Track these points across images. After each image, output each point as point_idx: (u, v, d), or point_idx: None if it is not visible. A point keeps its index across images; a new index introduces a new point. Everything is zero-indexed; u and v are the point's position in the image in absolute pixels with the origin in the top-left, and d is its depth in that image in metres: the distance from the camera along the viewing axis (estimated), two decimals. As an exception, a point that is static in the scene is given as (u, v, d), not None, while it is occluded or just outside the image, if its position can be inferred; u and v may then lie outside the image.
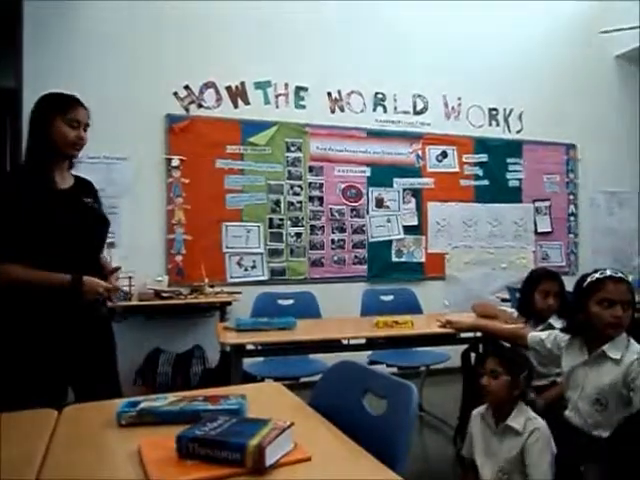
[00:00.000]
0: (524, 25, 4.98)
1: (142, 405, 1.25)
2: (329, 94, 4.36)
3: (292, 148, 4.22)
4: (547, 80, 5.06)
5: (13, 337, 1.72)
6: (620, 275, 1.80)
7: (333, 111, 4.38)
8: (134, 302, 3.49)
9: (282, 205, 4.18)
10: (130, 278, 3.46)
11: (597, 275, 1.82)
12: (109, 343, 1.98)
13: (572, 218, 5.18)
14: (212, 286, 3.77)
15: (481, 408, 1.94)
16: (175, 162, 3.92)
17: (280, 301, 3.45)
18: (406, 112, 4.60)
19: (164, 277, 3.78)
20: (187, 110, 3.99)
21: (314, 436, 1.14)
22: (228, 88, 4.10)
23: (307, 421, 1.23)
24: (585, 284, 1.83)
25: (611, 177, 5.35)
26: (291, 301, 3.43)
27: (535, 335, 2.11)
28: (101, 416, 1.26)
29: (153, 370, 3.59)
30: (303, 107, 4.29)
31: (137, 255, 3.65)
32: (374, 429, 1.14)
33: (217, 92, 4.08)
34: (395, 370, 3.40)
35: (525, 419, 1.78)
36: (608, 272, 1.80)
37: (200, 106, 4.03)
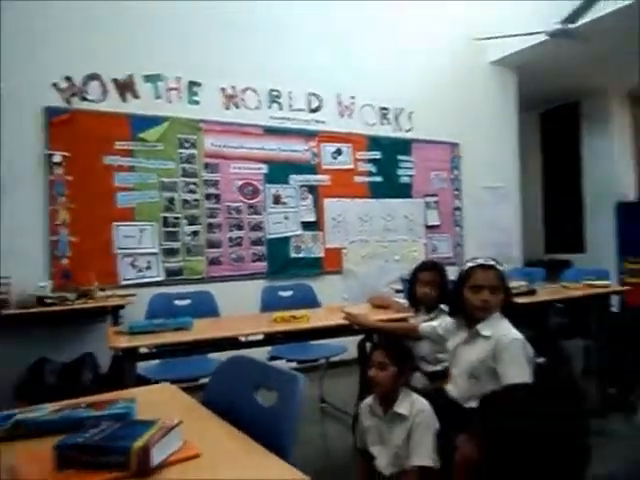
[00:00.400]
0: (414, 29, 5.25)
1: (17, 417, 1.16)
2: (223, 90, 4.30)
3: (186, 144, 4.11)
4: (433, 82, 5.37)
5: None
6: (489, 263, 1.97)
7: (228, 107, 4.32)
8: (12, 311, 3.20)
9: (177, 203, 4.06)
10: (6, 285, 3.18)
11: (469, 264, 2.01)
12: None
13: (458, 212, 5.56)
14: (103, 289, 3.57)
15: (369, 399, 2.02)
16: (57, 158, 3.65)
17: (177, 302, 3.35)
18: (301, 110, 4.66)
19: (47, 282, 3.51)
20: (69, 102, 3.73)
21: (205, 433, 1.13)
22: (115, 80, 3.90)
23: (198, 419, 1.21)
24: (460, 273, 1.99)
25: (491, 174, 5.80)
26: (188, 301, 3.34)
27: (426, 325, 2.24)
28: (-32, 434, 1.15)
29: (37, 382, 3.33)
30: (196, 102, 4.19)
31: (15, 259, 3.36)
32: (265, 421, 1.15)
33: (103, 84, 3.86)
34: (295, 364, 3.45)
35: (410, 403, 1.88)
36: (479, 261, 1.99)
37: (84, 99, 3.79)
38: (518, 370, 1.76)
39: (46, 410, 1.23)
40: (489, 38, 5.06)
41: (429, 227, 5.32)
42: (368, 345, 2.95)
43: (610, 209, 6.60)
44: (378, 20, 5.02)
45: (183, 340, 2.37)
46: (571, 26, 4.32)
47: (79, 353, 3.59)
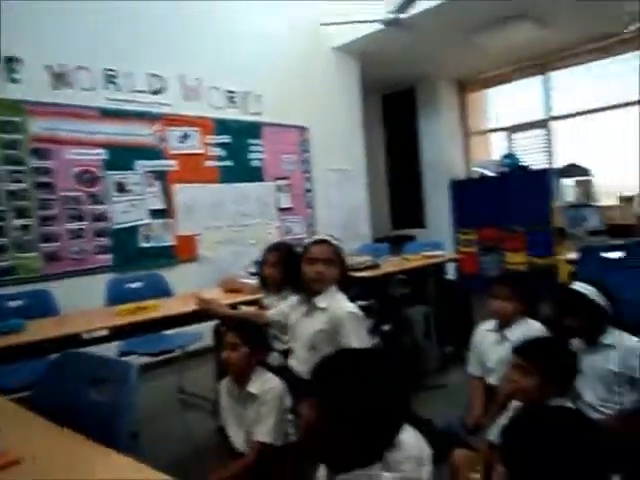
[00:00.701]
0: (262, 13, 5.21)
1: None
2: (49, 67, 3.88)
3: (8, 128, 3.65)
4: (280, 66, 5.41)
5: None
6: (323, 238, 2.11)
7: (57, 88, 3.92)
8: None
9: (0, 194, 3.61)
10: None
11: (307, 240, 2.15)
12: None
13: (309, 194, 5.72)
14: None
15: (226, 379, 2.03)
16: None
17: (7, 303, 3.02)
18: (142, 91, 4.40)
19: None
20: None
21: (29, 438, 1.04)
22: None
23: (22, 425, 1.11)
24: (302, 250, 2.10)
25: (339, 156, 6.05)
26: (19, 302, 3.02)
27: (275, 312, 2.26)
28: None
29: None
30: (16, 81, 3.72)
31: None
32: (100, 415, 1.09)
33: None
34: (149, 359, 3.32)
35: (262, 382, 1.92)
36: (315, 238, 2.13)
37: None
38: (355, 341, 1.88)
39: None
40: (333, 24, 5.23)
41: (282, 209, 5.41)
42: (224, 330, 2.94)
43: (445, 187, 7.28)
44: (223, 1, 4.91)
45: (13, 343, 2.14)
46: (402, 16, 4.64)
47: None
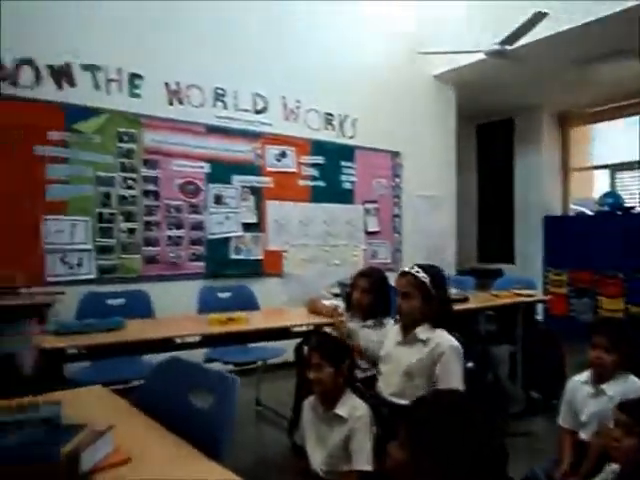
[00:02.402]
0: (362, 38, 5.32)
1: None
2: (167, 85, 4.19)
3: (125, 138, 3.97)
4: (377, 91, 5.47)
5: None
6: (404, 270, 2.12)
7: (171, 103, 4.22)
8: None
9: (113, 199, 3.91)
10: None
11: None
12: None
13: (397, 219, 5.69)
14: (29, 286, 3.38)
15: (311, 398, 2.04)
16: (-19, 145, 3.42)
17: (109, 301, 3.24)
18: (246, 110, 4.62)
19: (-35, 278, 3.28)
20: (-2, 87, 3.52)
21: (137, 437, 1.10)
22: (50, 67, 3.70)
23: (130, 422, 1.18)
24: None
25: (430, 182, 5.98)
26: (121, 300, 3.23)
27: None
28: None
29: (-49, 384, 3.11)
30: (138, 96, 4.05)
31: None
32: (200, 424, 1.13)
33: (36, 70, 3.65)
34: (232, 367, 3.41)
35: (350, 407, 1.91)
36: (404, 269, 2.13)
37: (14, 84, 3.57)
38: (452, 377, 1.88)
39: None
40: (433, 53, 5.23)
41: (369, 233, 5.41)
42: (306, 349, 2.97)
43: (538, 222, 6.96)
44: (327, 27, 5.06)
45: (114, 341, 2.29)
46: (508, 47, 4.55)
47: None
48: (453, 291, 3.55)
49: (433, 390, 1.76)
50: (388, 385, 2.06)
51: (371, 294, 2.56)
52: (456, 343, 1.96)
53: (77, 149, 3.76)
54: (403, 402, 1.94)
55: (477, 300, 3.75)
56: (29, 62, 3.62)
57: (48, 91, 3.68)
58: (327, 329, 2.80)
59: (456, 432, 1.03)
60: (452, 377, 1.89)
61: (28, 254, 3.56)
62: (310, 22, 4.94)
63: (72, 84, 3.78)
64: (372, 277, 2.64)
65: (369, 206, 5.43)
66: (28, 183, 3.58)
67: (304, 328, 2.81)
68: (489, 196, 7.73)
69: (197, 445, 1.04)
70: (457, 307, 3.35)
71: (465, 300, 3.52)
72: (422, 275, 2.06)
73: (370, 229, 5.42)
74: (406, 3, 5.55)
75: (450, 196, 6.25)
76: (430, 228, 5.97)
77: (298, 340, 3.02)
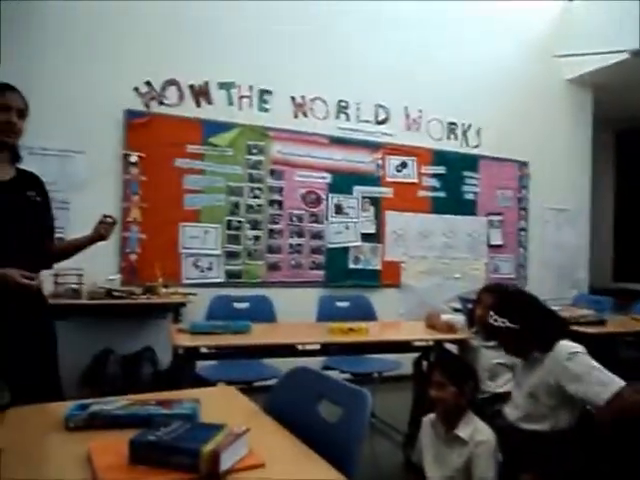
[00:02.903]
0: (486, 43, 5.14)
1: (93, 408, 1.22)
2: (293, 98, 4.37)
3: (254, 151, 4.20)
4: (504, 98, 5.23)
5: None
6: (488, 285, 2.24)
7: (296, 116, 4.39)
8: (83, 301, 3.36)
9: (241, 207, 4.15)
10: (79, 276, 3.35)
11: None
12: (48, 340, 1.89)
13: (522, 232, 5.37)
14: (166, 286, 3.69)
15: (432, 416, 1.99)
16: (133, 159, 3.82)
17: (236, 304, 3.43)
18: (368, 121, 4.66)
19: (117, 276, 3.67)
20: (147, 106, 3.91)
21: (268, 442, 1.14)
22: (191, 86, 4.05)
23: (261, 427, 1.22)
24: None
25: (561, 194, 5.58)
26: (247, 304, 3.41)
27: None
28: (47, 419, 1.22)
29: (101, 372, 3.48)
30: (266, 110, 4.28)
31: (88, 252, 3.52)
32: (329, 436, 1.15)
33: (179, 90, 4.01)
34: (348, 376, 3.43)
35: (472, 429, 1.83)
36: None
37: (161, 103, 3.96)
38: (595, 383, 1.74)
39: (117, 403, 1.28)
40: (571, 55, 4.89)
41: (492, 246, 5.17)
42: (424, 363, 2.91)
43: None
44: (451, 34, 4.95)
45: (242, 344, 2.41)
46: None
47: (139, 347, 3.73)
48: (586, 312, 3.28)
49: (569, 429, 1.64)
50: (515, 408, 2.01)
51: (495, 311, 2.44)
52: (572, 348, 1.88)
53: (212, 161, 4.06)
54: (530, 427, 1.89)
55: (615, 324, 3.41)
56: (174, 83, 3.99)
57: (188, 108, 4.03)
58: (448, 345, 2.73)
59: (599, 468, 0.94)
60: (596, 383, 1.76)
61: (167, 257, 3.89)
62: (435, 33, 4.87)
63: (209, 102, 4.10)
64: (497, 293, 2.51)
65: (493, 218, 5.19)
66: (170, 193, 3.93)
67: (424, 343, 2.75)
68: (628, 209, 7.01)
69: (324, 458, 1.05)
70: (591, 330, 3.09)
71: (600, 323, 3.22)
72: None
73: (493, 242, 5.17)
74: (537, 4, 5.25)
75: (583, 209, 5.77)
76: (560, 243, 5.56)
77: (414, 354, 2.97)
